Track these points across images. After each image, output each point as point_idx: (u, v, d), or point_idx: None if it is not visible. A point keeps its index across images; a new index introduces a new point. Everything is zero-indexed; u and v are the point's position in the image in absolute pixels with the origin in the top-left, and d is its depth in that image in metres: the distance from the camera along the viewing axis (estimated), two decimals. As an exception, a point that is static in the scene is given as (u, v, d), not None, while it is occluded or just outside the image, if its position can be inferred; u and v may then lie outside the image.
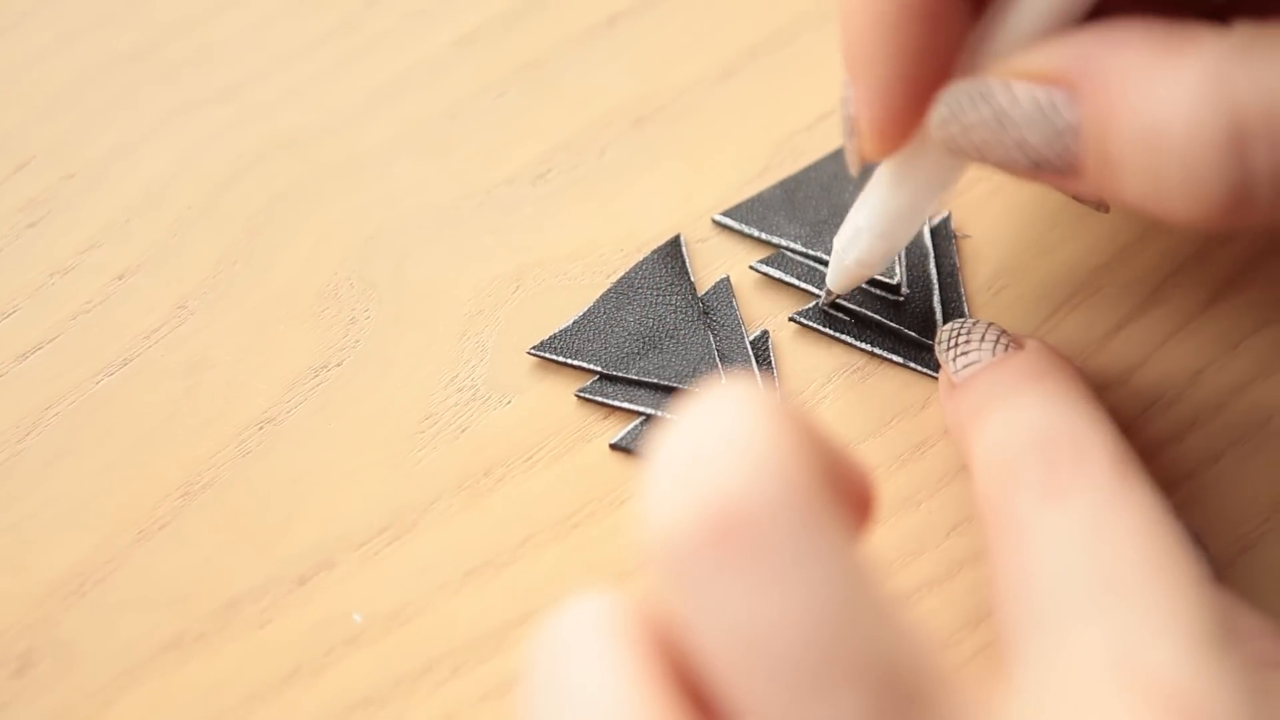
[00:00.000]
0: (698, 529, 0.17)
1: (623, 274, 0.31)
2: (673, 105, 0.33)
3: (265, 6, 0.35)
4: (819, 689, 0.17)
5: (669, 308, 0.30)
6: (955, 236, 0.31)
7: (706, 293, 0.30)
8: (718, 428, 0.18)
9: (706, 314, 0.30)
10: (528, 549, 0.28)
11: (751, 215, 0.31)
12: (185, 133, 0.33)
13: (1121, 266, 0.30)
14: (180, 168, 0.32)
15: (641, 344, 0.30)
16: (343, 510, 0.28)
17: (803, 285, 0.30)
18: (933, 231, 0.31)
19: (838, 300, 0.30)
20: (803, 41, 0.34)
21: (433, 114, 0.33)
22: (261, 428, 0.29)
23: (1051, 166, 0.22)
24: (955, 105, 0.23)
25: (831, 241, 0.28)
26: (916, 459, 0.29)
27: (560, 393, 0.30)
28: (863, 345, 0.30)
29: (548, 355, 0.30)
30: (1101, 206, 0.29)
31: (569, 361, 0.30)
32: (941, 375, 0.28)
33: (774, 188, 0.31)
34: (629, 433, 0.29)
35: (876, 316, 0.30)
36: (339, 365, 0.30)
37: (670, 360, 0.29)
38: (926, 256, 0.30)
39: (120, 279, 0.31)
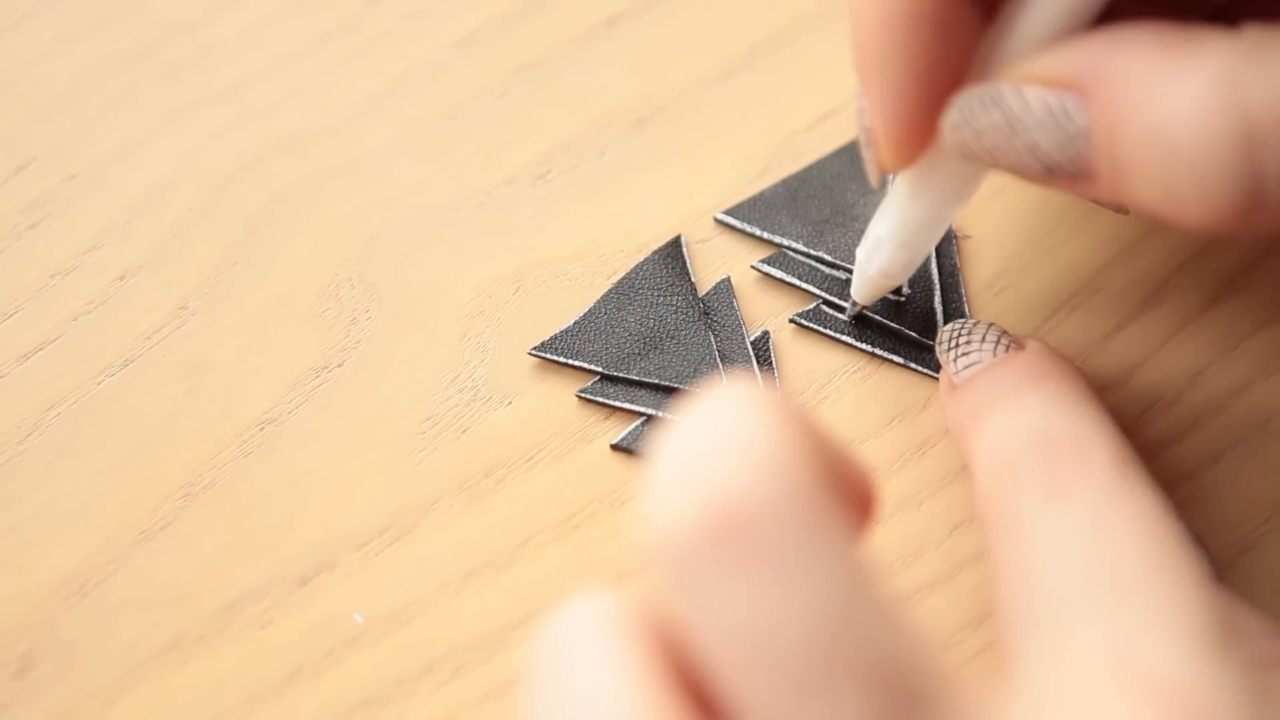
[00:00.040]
0: (699, 529, 0.17)
1: (623, 274, 0.31)
2: (673, 105, 0.33)
3: (265, 7, 0.35)
4: (821, 688, 0.17)
5: (670, 308, 0.30)
6: (956, 237, 0.31)
7: (707, 293, 0.30)
8: (719, 428, 0.18)
9: (707, 314, 0.30)
10: (529, 549, 0.28)
11: (754, 214, 0.31)
12: (185, 133, 0.33)
13: (1121, 268, 0.30)
14: (181, 168, 0.32)
15: (642, 344, 0.30)
16: (344, 511, 0.28)
17: (804, 285, 0.30)
18: (933, 232, 0.31)
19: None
20: (803, 42, 0.34)
21: (433, 114, 0.33)
22: (263, 428, 0.29)
23: (1064, 171, 0.22)
24: (967, 110, 0.23)
25: (832, 241, 0.28)
26: (917, 459, 0.29)
27: (561, 393, 0.30)
28: (864, 346, 0.30)
29: (548, 356, 0.30)
30: (1120, 209, 0.29)
31: (570, 362, 0.30)
32: (942, 376, 0.28)
33: (776, 186, 0.31)
34: (630, 433, 0.29)
35: (877, 317, 0.30)
36: (340, 366, 0.30)
37: (671, 361, 0.29)
38: (927, 257, 0.30)
39: (121, 280, 0.31)
